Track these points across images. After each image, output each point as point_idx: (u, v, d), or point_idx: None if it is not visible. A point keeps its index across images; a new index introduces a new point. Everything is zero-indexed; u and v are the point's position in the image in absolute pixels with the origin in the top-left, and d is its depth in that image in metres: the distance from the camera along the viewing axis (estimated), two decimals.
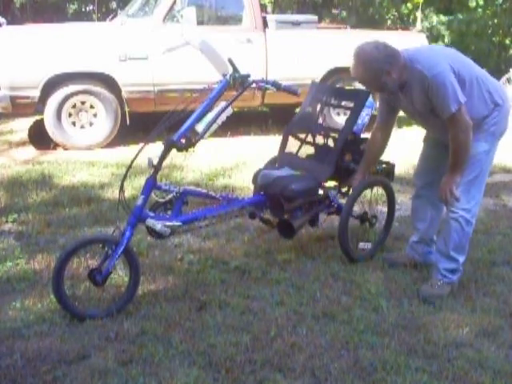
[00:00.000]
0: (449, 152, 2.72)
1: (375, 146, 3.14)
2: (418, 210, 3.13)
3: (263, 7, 11.26)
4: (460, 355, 2.38)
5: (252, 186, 3.50)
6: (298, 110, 4.62)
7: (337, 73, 6.27)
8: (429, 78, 2.62)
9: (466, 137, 2.65)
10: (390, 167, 3.45)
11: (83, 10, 14.53)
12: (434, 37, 11.40)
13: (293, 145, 3.51)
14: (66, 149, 5.65)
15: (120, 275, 2.91)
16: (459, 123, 2.63)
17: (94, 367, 2.23)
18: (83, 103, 5.66)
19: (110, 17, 7.10)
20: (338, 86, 5.90)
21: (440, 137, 2.84)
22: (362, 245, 3.40)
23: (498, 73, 9.64)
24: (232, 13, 6.52)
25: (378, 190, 3.54)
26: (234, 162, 5.22)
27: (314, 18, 6.90)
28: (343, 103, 3.53)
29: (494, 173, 4.82)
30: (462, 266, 2.94)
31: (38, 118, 6.60)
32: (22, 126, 6.78)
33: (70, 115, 5.64)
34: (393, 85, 2.71)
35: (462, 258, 2.90)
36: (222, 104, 2.83)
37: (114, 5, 13.61)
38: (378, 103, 3.10)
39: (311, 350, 2.38)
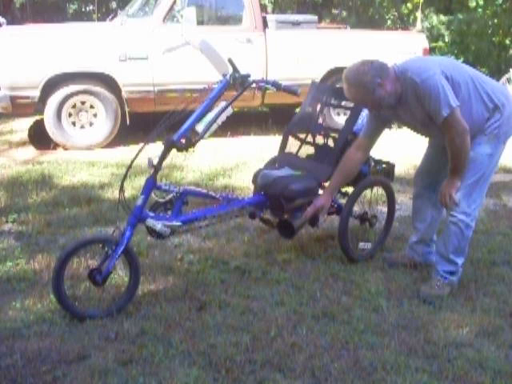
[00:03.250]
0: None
1: (351, 166, 3.00)
2: (419, 210, 3.12)
3: (263, 7, 11.26)
4: (460, 355, 2.38)
5: (252, 186, 3.50)
6: (298, 110, 4.61)
7: (337, 73, 6.25)
8: (419, 83, 2.60)
9: (462, 141, 2.62)
10: (390, 167, 3.45)
11: (83, 10, 14.54)
12: (434, 37, 11.39)
13: (293, 145, 3.51)
14: (65, 149, 5.65)
15: (120, 275, 2.91)
16: (453, 128, 2.61)
17: (94, 367, 2.23)
18: (83, 103, 5.67)
19: (110, 17, 7.10)
20: (337, 86, 5.89)
21: (441, 143, 2.81)
22: (362, 245, 3.39)
23: (498, 73, 9.65)
24: (232, 13, 6.52)
25: (378, 190, 3.54)
26: (234, 162, 5.22)
27: (314, 18, 6.91)
28: (343, 103, 3.53)
29: (494, 172, 4.82)
30: (462, 267, 2.94)
31: (38, 118, 6.60)
32: (22, 126, 6.78)
33: (69, 115, 5.65)
34: (389, 98, 2.68)
35: (461, 261, 2.90)
36: (222, 104, 2.83)
37: (114, 5, 13.60)
38: None
39: (311, 350, 2.38)
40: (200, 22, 5.97)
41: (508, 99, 2.75)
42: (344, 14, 13.16)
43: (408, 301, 2.83)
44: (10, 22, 8.32)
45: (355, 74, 2.65)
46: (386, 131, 3.09)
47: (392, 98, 2.69)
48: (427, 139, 3.08)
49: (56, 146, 5.69)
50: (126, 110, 5.81)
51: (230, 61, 2.91)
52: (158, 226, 2.68)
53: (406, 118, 2.81)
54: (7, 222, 3.73)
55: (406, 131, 5.92)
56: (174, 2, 5.83)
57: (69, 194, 4.24)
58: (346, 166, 3.02)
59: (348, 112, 3.37)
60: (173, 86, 5.82)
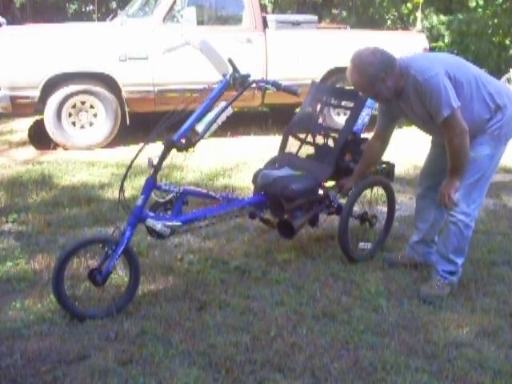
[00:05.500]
0: None
1: (372, 155, 3.14)
2: (422, 211, 3.12)
3: (263, 7, 11.26)
4: (460, 355, 2.38)
5: (252, 186, 3.50)
6: (298, 110, 4.62)
7: (337, 73, 6.27)
8: (421, 82, 2.61)
9: (461, 142, 2.63)
10: (390, 167, 3.45)
11: (83, 10, 14.55)
12: (434, 37, 11.39)
13: (293, 145, 3.51)
14: (65, 149, 5.65)
15: (120, 275, 2.90)
16: (453, 128, 2.61)
17: (93, 367, 2.23)
18: (83, 103, 5.67)
19: (110, 17, 7.10)
20: (337, 85, 5.90)
21: (442, 141, 2.82)
22: (362, 245, 3.39)
23: (498, 73, 9.64)
24: (232, 13, 6.52)
25: (378, 190, 3.54)
26: (234, 162, 5.22)
27: (314, 18, 6.91)
28: (343, 103, 3.53)
29: (494, 173, 4.82)
30: (462, 267, 2.94)
31: (38, 117, 6.60)
32: (22, 126, 6.78)
33: (70, 115, 5.65)
34: (387, 93, 2.70)
35: (460, 261, 2.90)
36: (222, 104, 2.83)
37: (114, 5, 13.61)
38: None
39: (311, 350, 2.38)
40: (200, 22, 5.97)
41: (510, 100, 2.74)
42: (344, 14, 13.16)
43: (408, 301, 2.83)
44: (10, 22, 8.33)
45: (361, 62, 2.65)
46: None
47: (390, 92, 2.71)
48: (430, 139, 3.08)
49: (56, 145, 5.68)
50: (126, 109, 5.81)
51: (230, 61, 2.91)
52: (158, 226, 2.68)
53: (406, 111, 2.82)
54: (7, 222, 3.73)
55: (406, 131, 5.95)
56: (174, 2, 5.83)
57: (69, 193, 4.24)
58: (368, 155, 3.15)
59: (348, 112, 3.37)
60: (173, 86, 5.82)
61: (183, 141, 2.73)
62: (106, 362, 2.26)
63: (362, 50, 2.68)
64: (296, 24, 6.52)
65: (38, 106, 5.64)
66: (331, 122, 5.76)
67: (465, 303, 2.82)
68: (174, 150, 2.73)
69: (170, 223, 2.75)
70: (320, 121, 3.49)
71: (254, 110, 7.76)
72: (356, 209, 3.36)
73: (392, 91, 2.71)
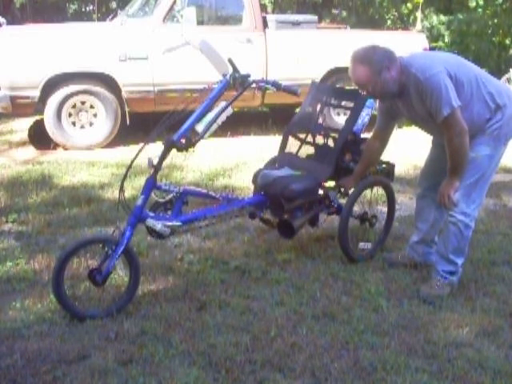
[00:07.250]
0: None
1: (372, 154, 3.14)
2: (422, 211, 3.12)
3: (263, 7, 11.26)
4: (460, 355, 2.38)
5: (252, 186, 3.50)
6: (298, 110, 4.62)
7: (337, 73, 6.27)
8: (422, 80, 2.60)
9: (461, 141, 2.63)
10: (390, 167, 3.44)
11: (83, 10, 14.57)
12: (434, 37, 11.40)
13: (293, 145, 3.51)
14: (66, 149, 5.65)
15: (120, 275, 2.90)
16: (453, 127, 2.61)
17: (93, 367, 2.23)
18: (83, 103, 5.67)
19: (110, 17, 7.10)
20: (337, 85, 5.90)
21: (442, 141, 2.82)
22: (362, 245, 3.39)
23: (498, 73, 9.64)
24: (232, 13, 6.52)
25: (378, 190, 3.54)
26: (234, 162, 5.22)
27: (314, 18, 6.91)
28: (343, 103, 3.53)
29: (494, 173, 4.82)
30: (462, 267, 2.94)
31: (38, 117, 6.60)
32: (22, 126, 6.78)
33: (70, 115, 5.65)
34: (392, 84, 2.67)
35: (460, 261, 2.90)
36: (222, 104, 2.83)
37: (114, 5, 13.63)
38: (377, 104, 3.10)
39: (311, 350, 2.38)
40: (200, 22, 5.97)
41: (510, 100, 2.74)
42: (344, 13, 13.17)
43: (408, 301, 2.83)
44: (10, 22, 8.33)
45: (364, 53, 2.66)
46: None
47: (396, 85, 2.68)
48: (430, 139, 3.08)
49: (56, 145, 5.68)
50: (126, 109, 5.81)
51: (230, 61, 2.91)
52: (158, 226, 2.68)
53: (406, 111, 2.81)
54: (7, 222, 3.73)
55: (406, 131, 5.95)
56: (174, 2, 5.83)
57: (69, 194, 4.24)
58: (367, 155, 3.15)
59: (348, 112, 3.37)
60: (173, 86, 5.82)
61: (183, 141, 2.73)
62: (106, 362, 2.26)
63: (360, 47, 2.70)
64: (296, 24, 6.52)
65: (38, 106, 5.64)
66: (331, 122, 5.76)
67: (465, 303, 2.82)
68: (174, 150, 2.73)
69: (169, 223, 2.75)
70: (320, 121, 3.49)
71: (254, 109, 7.76)
72: (356, 209, 3.36)
73: (397, 84, 2.68)
